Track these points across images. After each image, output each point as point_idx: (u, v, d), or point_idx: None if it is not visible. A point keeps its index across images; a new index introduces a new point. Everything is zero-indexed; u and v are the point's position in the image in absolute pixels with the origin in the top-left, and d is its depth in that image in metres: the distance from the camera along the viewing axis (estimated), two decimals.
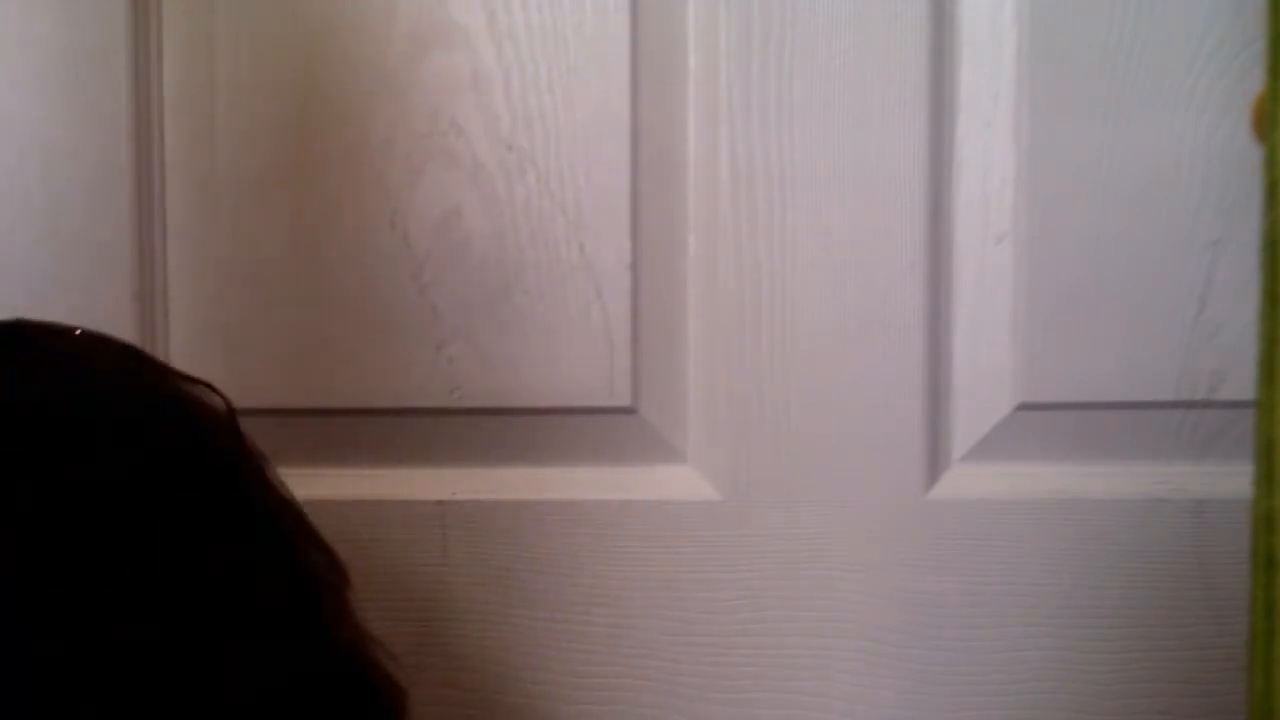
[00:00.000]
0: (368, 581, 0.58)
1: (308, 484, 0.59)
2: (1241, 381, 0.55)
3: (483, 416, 0.58)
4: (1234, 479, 0.46)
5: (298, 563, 0.40)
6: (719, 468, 0.58)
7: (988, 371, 0.57)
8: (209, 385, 0.41)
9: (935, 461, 0.57)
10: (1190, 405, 0.56)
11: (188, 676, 0.34)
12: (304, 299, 0.58)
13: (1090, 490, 0.57)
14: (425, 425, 0.58)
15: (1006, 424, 0.57)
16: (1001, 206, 0.57)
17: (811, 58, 0.56)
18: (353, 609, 0.42)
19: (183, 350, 0.59)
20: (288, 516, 0.41)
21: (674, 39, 0.57)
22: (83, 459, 0.34)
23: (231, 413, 0.41)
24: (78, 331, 0.39)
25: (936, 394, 0.57)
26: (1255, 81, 0.46)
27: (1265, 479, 0.39)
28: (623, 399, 0.58)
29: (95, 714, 0.32)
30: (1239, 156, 0.55)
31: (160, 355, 0.59)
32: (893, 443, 0.57)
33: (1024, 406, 0.57)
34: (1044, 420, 0.57)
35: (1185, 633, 0.56)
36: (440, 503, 0.58)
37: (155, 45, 0.58)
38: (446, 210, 0.57)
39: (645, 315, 0.58)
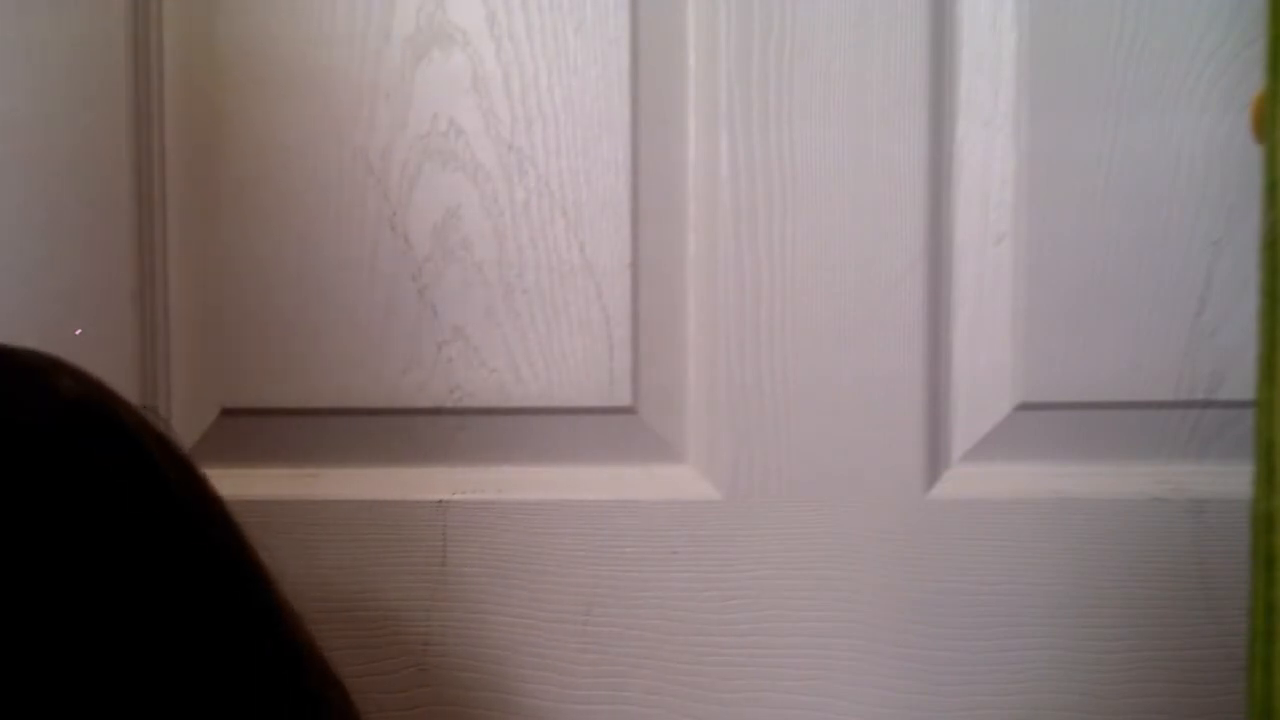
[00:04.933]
0: (368, 581, 0.58)
1: (308, 484, 0.59)
2: (1241, 381, 0.55)
3: (483, 416, 0.58)
4: (1234, 479, 0.46)
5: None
6: (719, 468, 0.58)
7: (988, 371, 0.57)
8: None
9: (935, 461, 0.57)
10: (1190, 405, 0.56)
11: None
12: (304, 299, 0.58)
13: (1090, 490, 0.57)
14: (425, 425, 0.58)
15: (1006, 424, 0.57)
16: (1001, 206, 0.57)
17: (811, 58, 0.56)
18: None
19: (183, 350, 0.59)
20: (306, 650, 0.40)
21: (674, 39, 0.57)
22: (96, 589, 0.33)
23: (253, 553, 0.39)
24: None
25: (936, 394, 0.57)
26: (1255, 81, 0.46)
27: (1265, 479, 0.39)
28: (623, 399, 0.58)
29: None
30: (1239, 156, 0.55)
31: (160, 355, 0.59)
32: (893, 443, 0.57)
33: (1024, 406, 0.57)
34: (1044, 420, 0.57)
35: (1185, 633, 0.56)
36: (440, 503, 0.58)
37: (155, 45, 0.58)
38: (446, 211, 0.57)
39: (645, 315, 0.58)
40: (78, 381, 0.37)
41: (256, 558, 0.39)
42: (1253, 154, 0.42)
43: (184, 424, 0.59)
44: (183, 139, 0.58)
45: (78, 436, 0.35)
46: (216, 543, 0.38)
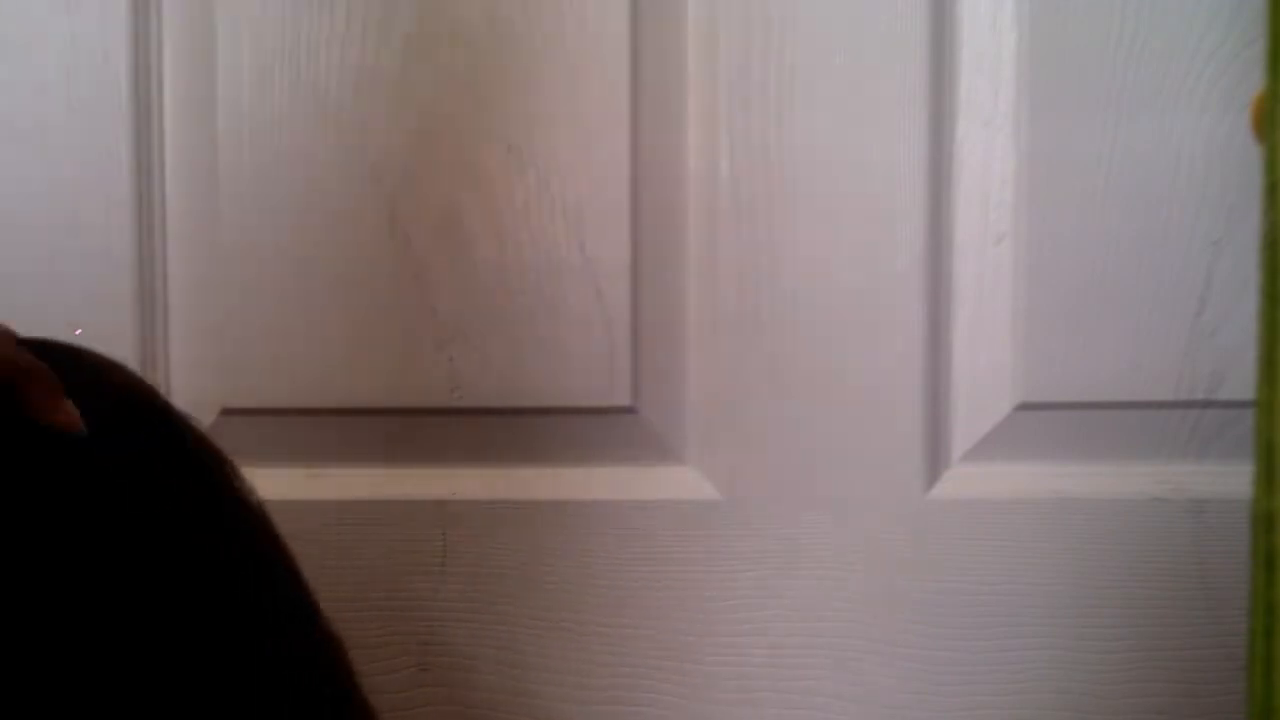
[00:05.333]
0: (368, 581, 0.58)
1: (308, 484, 0.59)
2: (1241, 381, 0.55)
3: (483, 416, 0.58)
4: (1234, 479, 0.46)
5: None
6: (719, 468, 0.58)
7: (988, 371, 0.57)
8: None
9: (935, 461, 0.57)
10: (1190, 405, 0.56)
11: None
12: (304, 299, 0.58)
13: (1090, 490, 0.57)
14: (425, 425, 0.58)
15: (1006, 424, 0.57)
16: (1001, 206, 0.57)
17: (811, 58, 0.56)
18: None
19: (183, 350, 0.59)
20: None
21: (674, 39, 0.57)
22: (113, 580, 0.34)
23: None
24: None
25: (936, 394, 0.57)
26: (1255, 81, 0.46)
27: (1265, 479, 0.39)
28: (623, 399, 0.58)
29: None
30: (1239, 156, 0.55)
31: (160, 355, 0.59)
32: (893, 443, 0.57)
33: (1024, 406, 0.57)
34: (1044, 420, 0.57)
35: (1185, 633, 0.56)
36: (440, 503, 0.58)
37: (155, 45, 0.58)
38: (446, 210, 0.57)
39: (645, 315, 0.58)
40: (129, 377, 0.39)
41: (290, 555, 0.40)
42: (1253, 154, 0.42)
43: None
44: (182, 139, 0.58)
45: (128, 427, 0.37)
46: (258, 539, 0.39)
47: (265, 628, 0.37)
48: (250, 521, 0.39)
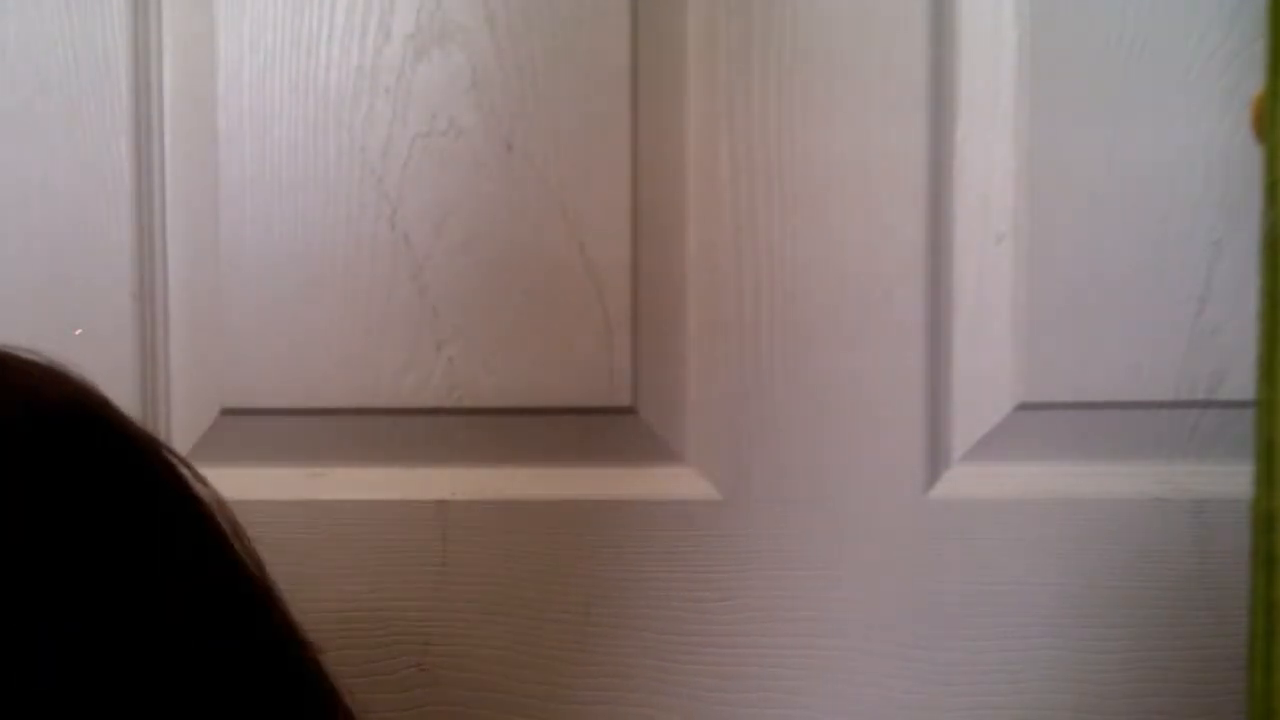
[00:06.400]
0: (368, 581, 0.58)
1: (308, 484, 0.59)
2: (1241, 381, 0.55)
3: (483, 416, 0.58)
4: (1234, 479, 0.46)
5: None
6: (719, 468, 0.58)
7: (988, 371, 0.57)
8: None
9: (935, 461, 0.57)
10: (1190, 405, 0.56)
11: None
12: (304, 299, 0.58)
13: (1090, 490, 0.57)
14: (425, 425, 0.58)
15: (1006, 424, 0.57)
16: (1001, 206, 0.57)
17: (811, 57, 0.56)
18: None
19: (183, 350, 0.59)
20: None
21: (674, 39, 0.57)
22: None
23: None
24: None
25: (936, 394, 0.57)
26: (1255, 81, 0.46)
27: (1265, 479, 0.39)
28: (623, 399, 0.58)
29: None
30: (1239, 156, 0.55)
31: (160, 355, 0.59)
32: (893, 443, 0.57)
33: (1024, 406, 0.57)
34: (1044, 420, 0.57)
35: (1185, 632, 0.56)
36: (440, 503, 0.58)
37: (155, 45, 0.58)
38: (446, 210, 0.57)
39: (645, 315, 0.58)
40: (69, 385, 0.37)
41: (249, 549, 0.39)
42: (1253, 154, 0.42)
43: (184, 424, 0.59)
44: (182, 139, 0.58)
45: (55, 439, 0.35)
46: (196, 529, 0.38)
47: (213, 622, 0.36)
48: (190, 512, 0.38)
